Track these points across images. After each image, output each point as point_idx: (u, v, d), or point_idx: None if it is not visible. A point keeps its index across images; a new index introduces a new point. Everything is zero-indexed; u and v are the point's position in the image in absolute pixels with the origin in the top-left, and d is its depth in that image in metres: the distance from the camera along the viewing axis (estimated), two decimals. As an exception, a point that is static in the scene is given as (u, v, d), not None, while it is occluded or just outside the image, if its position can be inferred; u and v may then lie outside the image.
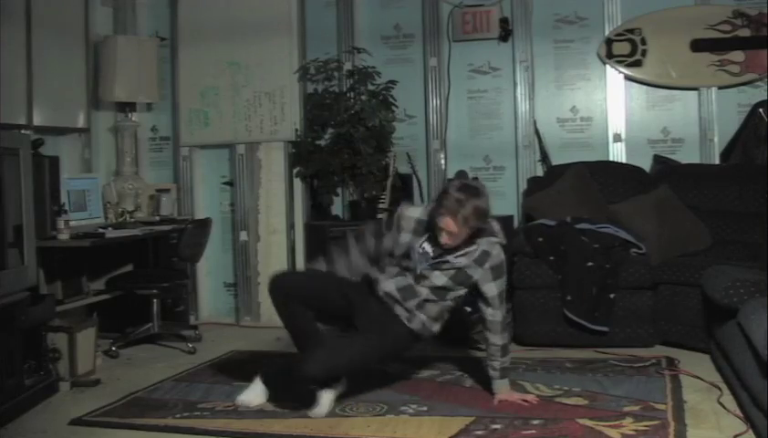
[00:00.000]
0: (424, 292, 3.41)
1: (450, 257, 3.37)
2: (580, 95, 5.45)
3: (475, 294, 3.46)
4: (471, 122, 5.62)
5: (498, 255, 3.41)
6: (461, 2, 5.54)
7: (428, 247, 3.39)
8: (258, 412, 3.40)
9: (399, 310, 3.43)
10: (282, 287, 3.44)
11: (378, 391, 3.57)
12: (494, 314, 3.41)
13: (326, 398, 3.33)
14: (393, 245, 3.47)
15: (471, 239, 3.35)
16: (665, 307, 4.35)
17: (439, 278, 3.40)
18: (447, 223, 3.25)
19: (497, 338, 3.42)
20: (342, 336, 3.61)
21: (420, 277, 3.40)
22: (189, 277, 5.27)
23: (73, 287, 4.69)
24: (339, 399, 3.42)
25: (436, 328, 3.51)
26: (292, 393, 3.45)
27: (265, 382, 3.49)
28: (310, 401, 3.32)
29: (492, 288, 3.39)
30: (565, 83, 5.46)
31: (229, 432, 3.17)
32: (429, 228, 3.38)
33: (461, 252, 3.37)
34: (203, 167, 5.77)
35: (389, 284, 3.43)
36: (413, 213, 3.48)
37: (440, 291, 3.43)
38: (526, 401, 3.41)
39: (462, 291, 3.47)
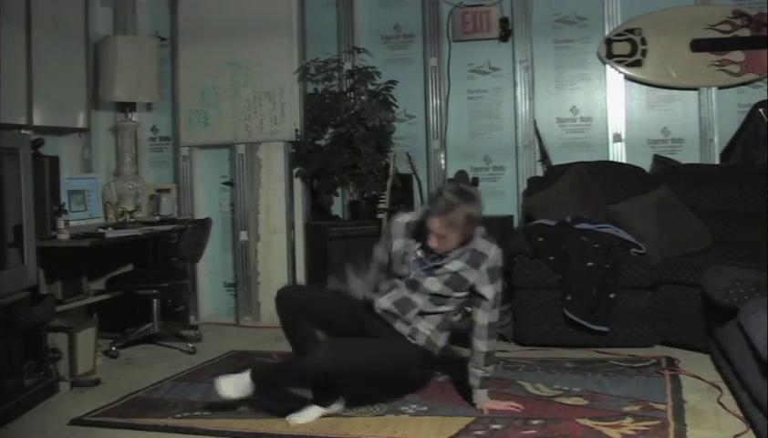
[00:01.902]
0: (420, 302, 3.27)
1: (443, 261, 3.25)
2: (580, 95, 5.45)
3: (470, 296, 3.33)
4: (471, 122, 5.62)
5: (494, 257, 3.28)
6: (461, 2, 5.54)
7: (421, 253, 3.28)
8: (258, 412, 3.39)
9: (400, 326, 3.29)
10: (288, 301, 3.35)
11: (378, 391, 3.56)
12: (484, 317, 3.28)
13: (313, 412, 3.27)
14: (385, 256, 3.41)
15: (462, 244, 3.25)
16: (665, 307, 4.35)
17: (433, 284, 3.25)
18: (435, 225, 3.15)
19: (483, 345, 3.28)
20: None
21: (413, 284, 3.27)
22: (189, 277, 5.27)
23: (73, 287, 4.69)
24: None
25: (442, 340, 3.36)
26: (278, 395, 3.41)
27: (254, 377, 3.31)
28: (291, 408, 3.29)
29: (489, 291, 3.27)
30: (565, 83, 5.46)
31: (229, 432, 3.18)
32: (421, 232, 3.27)
33: (455, 255, 3.25)
34: (203, 167, 5.77)
35: (384, 301, 3.31)
36: (404, 218, 3.41)
37: (436, 298, 3.28)
38: (514, 407, 3.34)
39: (461, 295, 3.30)
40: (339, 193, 5.62)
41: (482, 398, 3.36)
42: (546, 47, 5.46)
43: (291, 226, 5.50)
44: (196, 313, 5.63)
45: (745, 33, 5.08)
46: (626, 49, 5.29)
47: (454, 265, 3.26)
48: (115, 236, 4.49)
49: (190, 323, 5.38)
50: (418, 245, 3.31)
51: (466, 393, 3.42)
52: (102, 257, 4.92)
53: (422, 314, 3.30)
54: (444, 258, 3.26)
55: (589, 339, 4.34)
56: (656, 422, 3.10)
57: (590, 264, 4.37)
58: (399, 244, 3.36)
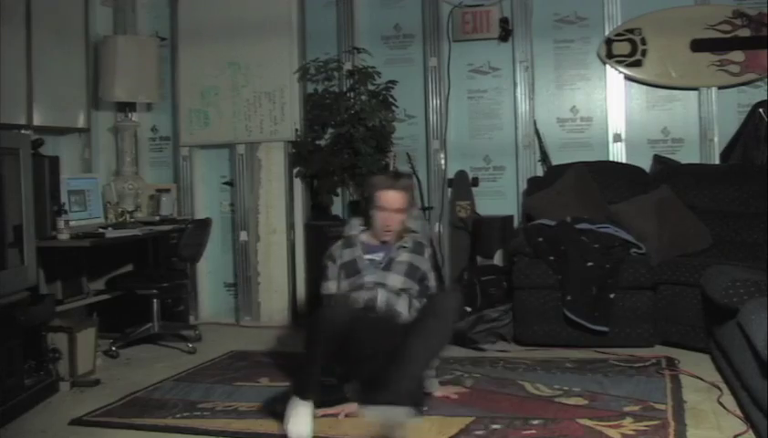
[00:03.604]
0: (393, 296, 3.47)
1: (394, 255, 3.50)
2: (580, 95, 5.45)
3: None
4: (471, 122, 5.61)
5: (427, 245, 3.67)
6: (462, 2, 5.54)
7: (370, 256, 3.52)
8: (258, 412, 3.40)
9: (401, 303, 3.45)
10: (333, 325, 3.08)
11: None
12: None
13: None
14: (339, 283, 3.52)
15: (400, 236, 3.56)
16: (665, 307, 4.35)
17: (395, 279, 3.45)
18: (390, 197, 3.47)
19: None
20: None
21: (378, 285, 3.43)
22: (189, 277, 5.27)
23: (73, 287, 4.69)
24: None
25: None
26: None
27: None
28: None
29: (432, 276, 3.60)
30: (565, 83, 5.46)
31: (229, 433, 3.17)
32: (358, 240, 3.57)
33: (400, 245, 3.54)
34: (203, 167, 5.77)
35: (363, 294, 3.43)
36: (339, 240, 3.65)
37: (399, 293, 3.46)
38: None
39: (414, 289, 3.51)
40: (339, 193, 5.61)
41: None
42: (546, 47, 5.45)
43: (291, 226, 5.50)
44: (196, 313, 5.63)
45: (745, 33, 5.08)
46: (626, 49, 5.28)
47: (404, 256, 3.52)
48: (115, 236, 4.49)
49: (190, 323, 5.37)
50: (360, 251, 3.54)
51: (467, 393, 3.42)
52: (102, 257, 4.92)
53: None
54: (391, 253, 3.51)
55: (589, 339, 4.34)
56: (656, 422, 3.10)
57: (590, 264, 4.37)
58: (346, 254, 3.55)
